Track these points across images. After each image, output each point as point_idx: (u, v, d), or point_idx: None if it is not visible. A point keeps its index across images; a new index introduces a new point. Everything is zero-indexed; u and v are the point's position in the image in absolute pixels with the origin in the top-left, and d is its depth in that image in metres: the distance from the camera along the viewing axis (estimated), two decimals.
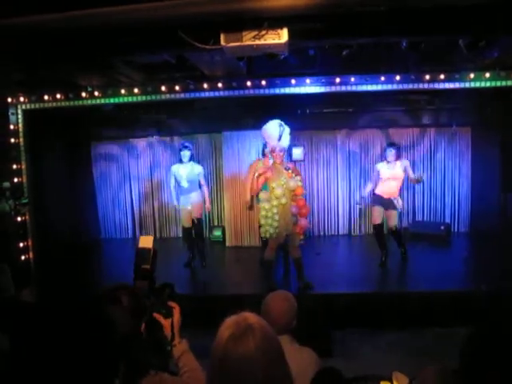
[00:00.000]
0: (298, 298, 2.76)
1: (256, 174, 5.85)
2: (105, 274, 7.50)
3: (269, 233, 5.76)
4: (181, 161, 7.12)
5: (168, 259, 7.21)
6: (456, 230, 9.02)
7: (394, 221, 6.86)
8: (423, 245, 7.93)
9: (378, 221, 6.96)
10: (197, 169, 7.19)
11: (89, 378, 1.04)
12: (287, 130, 5.77)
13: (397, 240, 7.06)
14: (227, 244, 8.85)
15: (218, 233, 9.14)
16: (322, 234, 9.30)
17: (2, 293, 5.97)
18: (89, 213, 9.49)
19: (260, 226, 6.03)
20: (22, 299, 6.29)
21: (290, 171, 5.80)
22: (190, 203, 7.09)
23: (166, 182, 9.38)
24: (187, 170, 7.06)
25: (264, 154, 7.23)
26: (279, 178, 5.71)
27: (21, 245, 7.17)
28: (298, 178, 5.87)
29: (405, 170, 6.80)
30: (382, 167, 6.90)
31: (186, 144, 7.21)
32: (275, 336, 1.42)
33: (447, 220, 9.00)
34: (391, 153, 6.79)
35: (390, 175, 6.77)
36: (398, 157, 6.85)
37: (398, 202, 6.81)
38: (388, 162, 6.84)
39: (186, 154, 7.04)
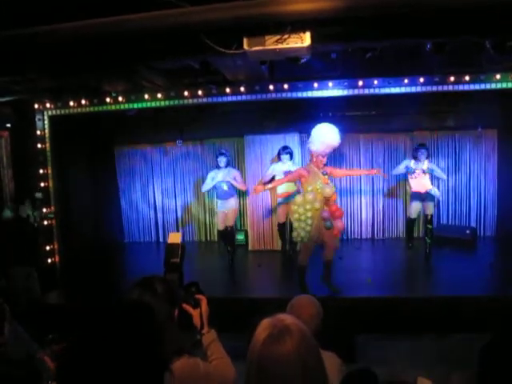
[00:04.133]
0: (324, 302, 2.75)
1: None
2: (129, 277, 7.57)
3: (300, 236, 5.74)
4: (218, 166, 7.65)
5: (191, 263, 7.24)
6: (482, 234, 8.85)
7: (430, 210, 7.56)
8: (448, 249, 7.81)
9: (413, 215, 7.73)
10: (232, 173, 7.67)
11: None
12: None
13: (428, 229, 7.55)
14: (250, 248, 8.86)
15: (240, 236, 9.15)
16: (344, 237, 9.21)
17: (29, 296, 6.09)
18: (113, 216, 9.62)
19: (291, 231, 6.07)
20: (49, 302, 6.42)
21: (326, 176, 5.77)
22: (226, 208, 7.60)
23: (189, 186, 9.52)
24: (224, 175, 7.55)
25: (280, 160, 7.74)
26: (315, 183, 5.68)
27: (47, 248, 7.30)
28: (332, 184, 5.86)
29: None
30: (410, 165, 7.51)
31: (223, 151, 7.79)
32: (312, 337, 1.41)
33: (473, 224, 8.84)
34: (422, 152, 7.50)
35: (420, 171, 7.41)
36: (427, 157, 7.59)
37: (436, 192, 7.53)
38: (417, 160, 7.47)
39: (222, 159, 7.60)
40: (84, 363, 1.03)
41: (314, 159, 5.80)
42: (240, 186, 7.77)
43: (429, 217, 7.58)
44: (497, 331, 1.63)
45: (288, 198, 7.50)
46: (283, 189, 7.52)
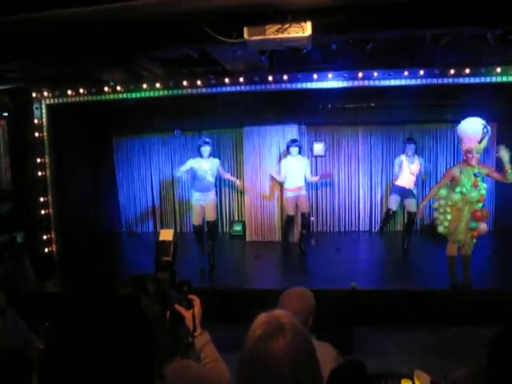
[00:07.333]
0: (321, 294, 2.74)
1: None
2: (126, 267, 7.58)
3: (442, 227, 5.82)
4: (201, 156, 7.03)
5: (187, 253, 7.24)
6: None
7: (413, 208, 7.39)
8: (445, 242, 7.79)
9: (393, 207, 7.64)
10: (216, 162, 7.17)
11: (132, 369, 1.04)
12: (490, 131, 5.62)
13: (409, 226, 7.63)
14: (247, 239, 8.85)
15: (238, 227, 9.15)
16: (342, 230, 9.23)
17: (24, 285, 6.06)
18: (110, 206, 9.59)
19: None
20: (47, 291, 6.40)
21: (477, 178, 5.53)
22: (204, 201, 7.07)
23: (187, 177, 9.47)
24: (209, 165, 7.00)
25: (289, 153, 7.48)
26: (463, 185, 5.54)
27: (44, 237, 7.28)
28: (484, 185, 5.64)
29: (420, 165, 7.49)
30: (404, 160, 7.43)
31: (207, 140, 7.15)
32: (306, 336, 1.41)
33: None
34: (410, 147, 7.43)
35: (410, 168, 7.38)
36: (416, 152, 7.57)
37: (415, 192, 7.61)
38: (408, 155, 7.43)
39: (206, 149, 6.99)
40: (65, 361, 0.98)
41: (465, 157, 5.66)
42: (227, 175, 7.61)
43: (412, 215, 7.40)
44: (508, 324, 1.61)
45: (298, 192, 7.46)
46: (292, 184, 7.45)
